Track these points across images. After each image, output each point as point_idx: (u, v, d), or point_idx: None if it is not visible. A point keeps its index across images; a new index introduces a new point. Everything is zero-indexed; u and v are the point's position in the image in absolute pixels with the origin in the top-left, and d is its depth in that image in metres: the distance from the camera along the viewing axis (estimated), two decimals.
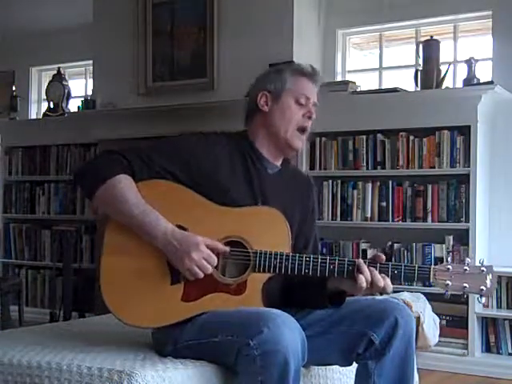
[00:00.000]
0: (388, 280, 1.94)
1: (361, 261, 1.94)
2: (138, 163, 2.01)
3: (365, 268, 1.92)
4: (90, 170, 2.04)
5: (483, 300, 1.96)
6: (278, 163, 2.20)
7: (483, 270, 1.92)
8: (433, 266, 1.95)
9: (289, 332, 1.77)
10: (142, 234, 1.96)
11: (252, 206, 2.04)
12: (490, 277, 1.91)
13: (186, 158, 2.04)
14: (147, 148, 2.08)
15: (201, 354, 1.93)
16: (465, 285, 1.92)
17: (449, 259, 1.97)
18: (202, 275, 1.91)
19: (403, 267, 1.94)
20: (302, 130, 2.16)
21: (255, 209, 2.04)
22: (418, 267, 1.94)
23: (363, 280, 1.90)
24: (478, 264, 1.95)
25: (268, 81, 2.17)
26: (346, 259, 1.96)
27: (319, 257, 1.96)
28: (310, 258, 1.95)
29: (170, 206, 1.99)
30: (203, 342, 1.91)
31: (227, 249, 1.96)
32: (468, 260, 1.94)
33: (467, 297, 2.03)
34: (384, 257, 1.98)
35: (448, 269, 1.93)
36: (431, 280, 1.94)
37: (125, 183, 1.97)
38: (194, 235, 1.93)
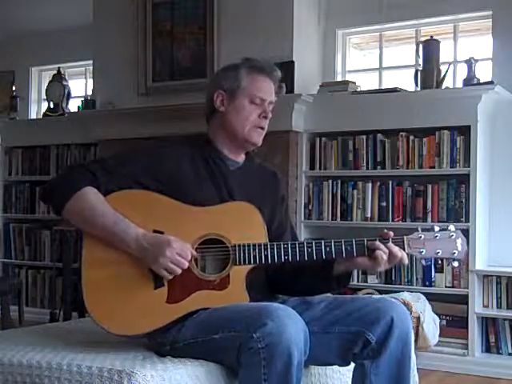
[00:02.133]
0: (404, 252, 1.99)
1: (375, 242, 1.98)
2: (102, 175, 2.03)
3: (379, 244, 1.97)
4: (56, 186, 2.06)
5: (456, 264, 2.03)
6: (240, 159, 2.24)
7: (452, 235, 2.00)
8: (406, 236, 2.00)
9: (292, 324, 1.79)
10: (115, 243, 1.98)
11: (224, 203, 2.08)
12: (459, 241, 2.00)
13: (151, 166, 2.07)
14: (111, 160, 2.11)
15: (200, 353, 1.94)
16: (438, 250, 1.99)
17: (419, 229, 2.02)
18: (179, 271, 1.93)
19: (378, 240, 1.99)
20: (259, 128, 2.19)
21: (228, 205, 2.08)
22: (392, 238, 1.99)
23: (381, 254, 1.95)
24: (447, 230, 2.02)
25: (224, 79, 2.19)
26: (323, 241, 2.00)
27: (297, 243, 2.01)
28: (287, 244, 2.00)
29: (144, 213, 2.02)
30: (203, 340, 1.92)
31: (194, 252, 1.97)
32: (437, 227, 2.01)
33: (442, 261, 2.08)
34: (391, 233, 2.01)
35: (420, 237, 2.00)
36: (406, 250, 1.99)
37: (92, 195, 2.00)
38: (165, 235, 1.96)
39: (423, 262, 2.02)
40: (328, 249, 1.98)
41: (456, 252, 1.99)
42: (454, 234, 2.00)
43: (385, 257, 1.96)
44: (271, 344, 1.76)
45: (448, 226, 2.02)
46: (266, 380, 1.77)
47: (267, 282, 2.17)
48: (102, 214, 1.97)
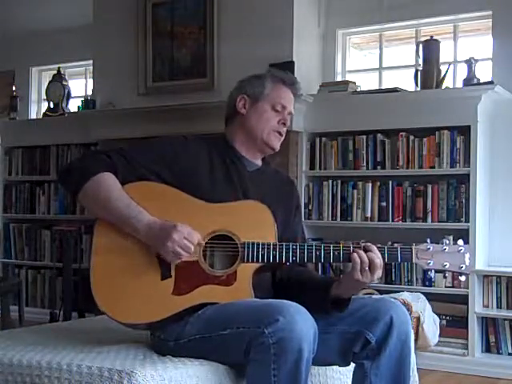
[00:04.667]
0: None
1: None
2: (121, 163, 2.06)
3: (358, 250, 1.95)
4: (75, 169, 2.08)
5: (463, 278, 2.04)
6: (258, 162, 2.27)
7: (461, 249, 2.00)
8: (414, 246, 2.00)
9: (302, 321, 1.81)
10: (125, 228, 2.00)
11: (237, 201, 2.09)
12: (467, 255, 2.00)
13: (168, 159, 2.10)
14: (131, 149, 2.13)
15: (205, 349, 1.95)
16: (445, 263, 2.00)
17: (428, 240, 2.02)
18: (185, 254, 1.95)
19: (386, 248, 1.99)
20: (277, 132, 2.23)
21: (240, 203, 2.09)
22: (401, 248, 2.00)
23: (356, 256, 1.93)
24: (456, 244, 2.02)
25: (248, 85, 2.25)
26: (332, 245, 2.00)
27: (305, 244, 2.02)
28: (296, 246, 2.00)
29: (157, 204, 2.04)
30: (210, 336, 1.93)
31: (201, 240, 1.99)
32: (446, 241, 2.01)
33: (447, 275, 2.06)
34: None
35: (428, 248, 2.00)
36: (414, 260, 1.99)
37: (109, 180, 2.02)
38: (173, 222, 1.97)
39: (431, 274, 2.01)
40: (336, 253, 1.98)
41: (464, 266, 1.99)
42: (463, 249, 2.00)
43: (359, 260, 1.93)
44: (282, 340, 1.77)
45: (458, 241, 2.03)
46: (275, 375, 1.79)
47: (273, 288, 2.17)
48: (116, 198, 2.00)
